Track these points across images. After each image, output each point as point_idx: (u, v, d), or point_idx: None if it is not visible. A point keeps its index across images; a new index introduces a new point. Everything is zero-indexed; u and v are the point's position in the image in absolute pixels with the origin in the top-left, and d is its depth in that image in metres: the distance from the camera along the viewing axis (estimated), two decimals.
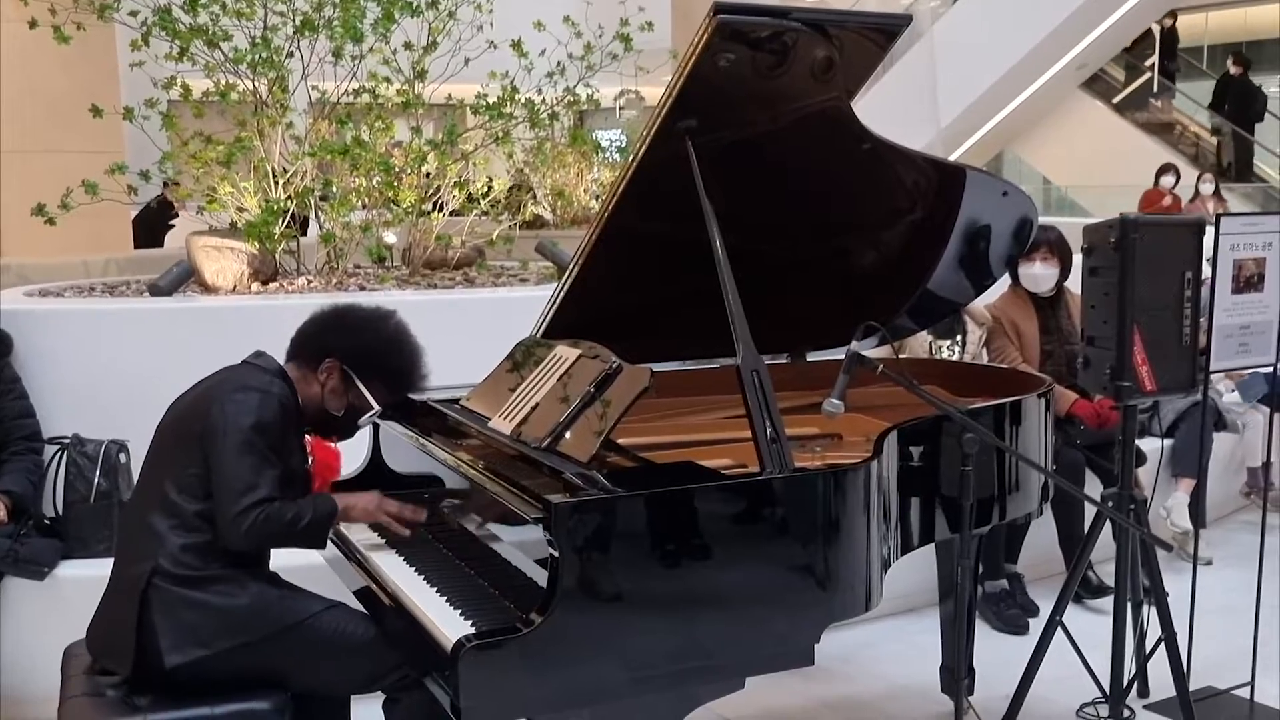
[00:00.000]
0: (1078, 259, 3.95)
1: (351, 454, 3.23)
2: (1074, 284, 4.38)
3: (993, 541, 4.25)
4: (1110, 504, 3.26)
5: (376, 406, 2.71)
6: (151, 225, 9.26)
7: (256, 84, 4.92)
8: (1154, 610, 3.28)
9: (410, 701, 2.58)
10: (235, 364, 2.67)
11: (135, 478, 3.00)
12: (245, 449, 2.45)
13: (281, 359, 2.70)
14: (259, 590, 2.52)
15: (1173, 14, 14.49)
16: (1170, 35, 14.90)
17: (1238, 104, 14.29)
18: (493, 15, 5.52)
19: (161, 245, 8.82)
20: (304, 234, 5.25)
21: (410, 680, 2.49)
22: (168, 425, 2.63)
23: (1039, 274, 4.42)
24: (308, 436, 2.82)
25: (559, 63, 5.50)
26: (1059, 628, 3.32)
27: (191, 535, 2.48)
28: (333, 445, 2.89)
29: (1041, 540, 4.45)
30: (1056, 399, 4.18)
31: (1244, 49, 15.94)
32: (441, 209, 5.35)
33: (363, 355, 2.68)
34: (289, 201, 4.82)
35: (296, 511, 2.49)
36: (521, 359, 2.93)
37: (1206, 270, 3.27)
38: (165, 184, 5.72)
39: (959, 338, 4.47)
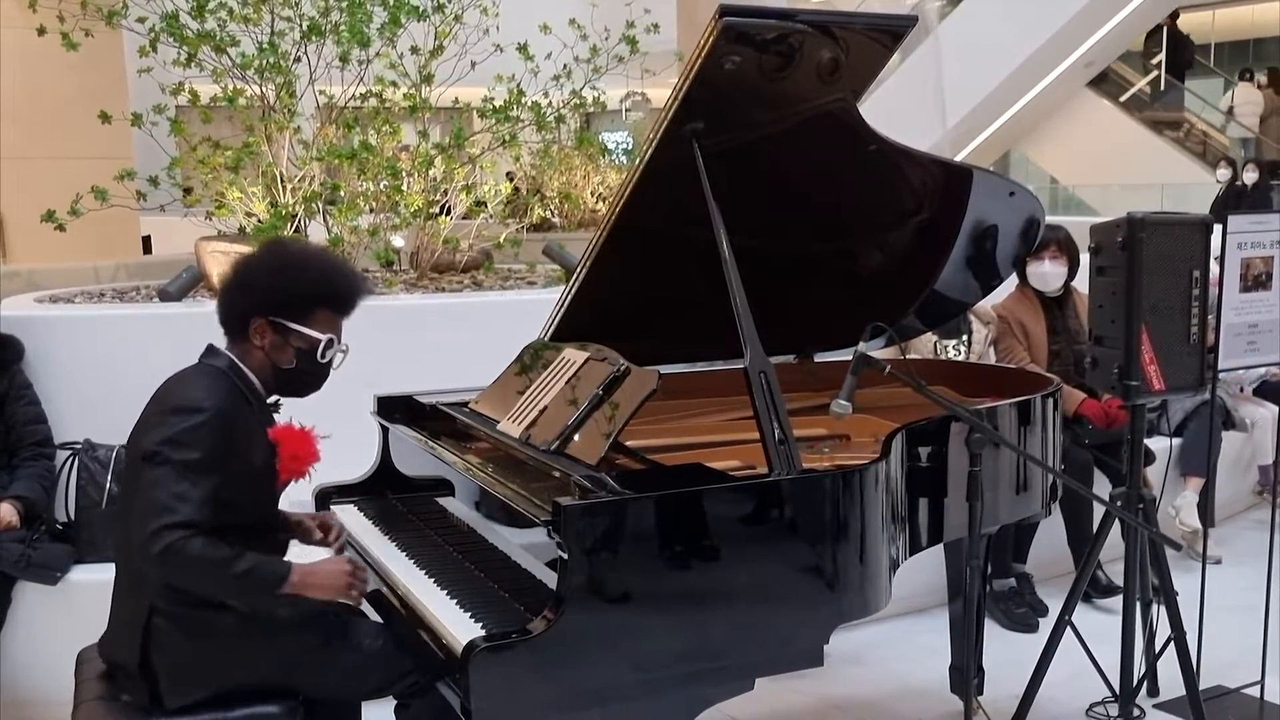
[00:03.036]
0: (1085, 259, 3.93)
1: (361, 457, 3.24)
2: (1081, 284, 4.38)
3: (1001, 541, 4.25)
4: (1119, 503, 3.26)
5: (323, 337, 2.50)
6: None
7: (264, 89, 4.94)
8: (1163, 609, 3.28)
9: (422, 706, 2.58)
10: (182, 371, 2.49)
11: None
12: (163, 468, 2.26)
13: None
14: (257, 631, 2.39)
15: (1174, 14, 14.55)
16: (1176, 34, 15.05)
17: (1169, 52, 14.67)
18: (498, 19, 5.53)
19: None
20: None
21: (422, 686, 2.49)
22: (129, 450, 2.47)
23: (1048, 272, 4.42)
24: (276, 424, 2.56)
25: (565, 65, 5.51)
26: (1068, 627, 3.32)
27: None
28: (306, 430, 2.67)
29: (1050, 540, 4.45)
30: (1064, 399, 4.18)
31: (1250, 46, 15.95)
32: (449, 212, 5.37)
33: (277, 297, 2.47)
34: (297, 206, 4.84)
35: (234, 554, 2.26)
36: (530, 362, 2.94)
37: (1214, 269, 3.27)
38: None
39: (965, 338, 4.47)
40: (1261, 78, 14.62)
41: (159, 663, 2.38)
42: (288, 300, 2.48)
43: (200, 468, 2.29)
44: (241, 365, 2.49)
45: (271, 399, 2.56)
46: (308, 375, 2.54)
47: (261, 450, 2.47)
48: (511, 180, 5.99)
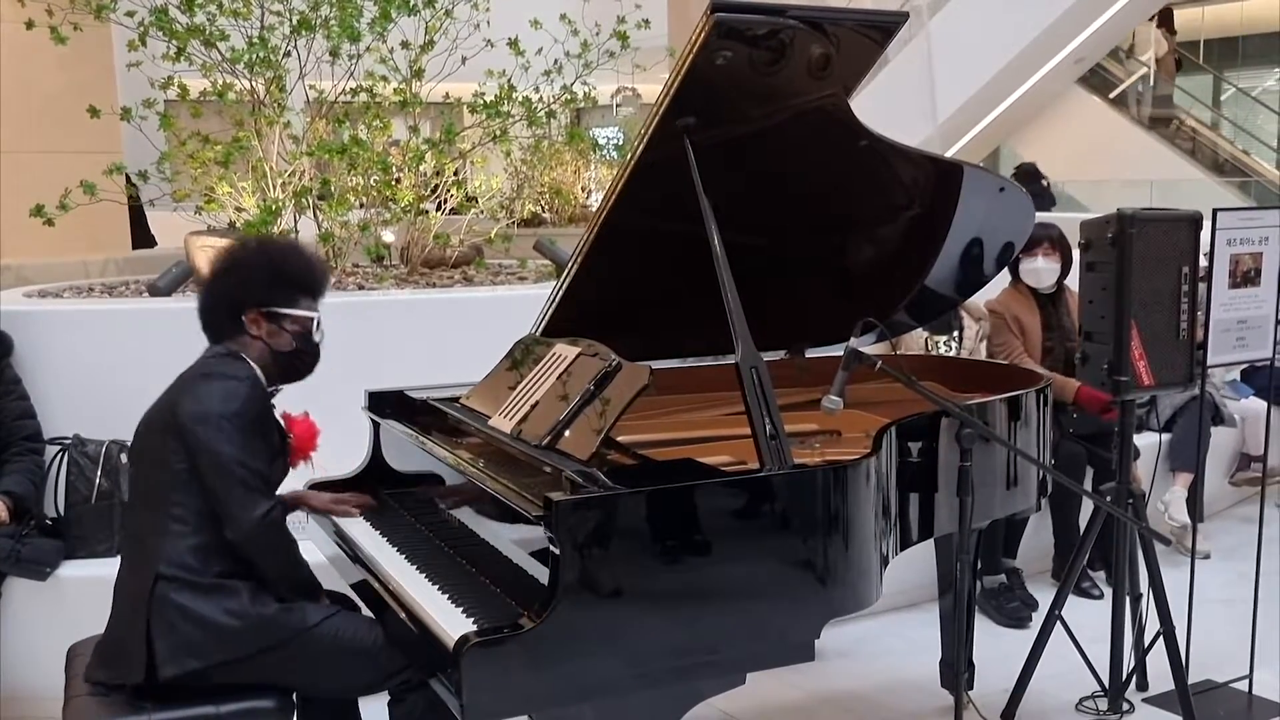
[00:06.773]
0: (1077, 256, 3.92)
1: (351, 452, 3.24)
2: (1073, 281, 4.40)
3: (991, 537, 4.26)
4: (1108, 498, 3.27)
5: (314, 315, 2.66)
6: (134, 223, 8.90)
7: (254, 84, 4.92)
8: (1152, 604, 3.30)
9: (415, 701, 2.58)
10: (217, 381, 2.55)
11: None
12: (239, 470, 2.45)
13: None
14: (259, 605, 2.47)
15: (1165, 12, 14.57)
16: None
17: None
18: (490, 14, 5.51)
19: (151, 242, 8.49)
20: None
21: (415, 681, 2.48)
22: (146, 441, 2.59)
23: (1041, 269, 4.44)
24: (278, 413, 2.75)
25: (556, 61, 5.49)
26: (1058, 622, 3.33)
27: (195, 536, 2.46)
28: (307, 418, 2.84)
29: (1041, 535, 4.46)
30: (1060, 387, 4.19)
31: (1240, 43, 16.01)
32: (440, 208, 5.36)
33: (267, 286, 2.62)
34: (287, 201, 4.83)
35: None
36: (521, 357, 2.94)
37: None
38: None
39: (956, 333, 4.48)
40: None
41: (160, 629, 2.41)
42: (277, 288, 2.62)
43: (262, 460, 2.52)
44: (250, 361, 2.59)
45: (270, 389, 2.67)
46: (306, 356, 2.67)
47: (273, 434, 2.66)
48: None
